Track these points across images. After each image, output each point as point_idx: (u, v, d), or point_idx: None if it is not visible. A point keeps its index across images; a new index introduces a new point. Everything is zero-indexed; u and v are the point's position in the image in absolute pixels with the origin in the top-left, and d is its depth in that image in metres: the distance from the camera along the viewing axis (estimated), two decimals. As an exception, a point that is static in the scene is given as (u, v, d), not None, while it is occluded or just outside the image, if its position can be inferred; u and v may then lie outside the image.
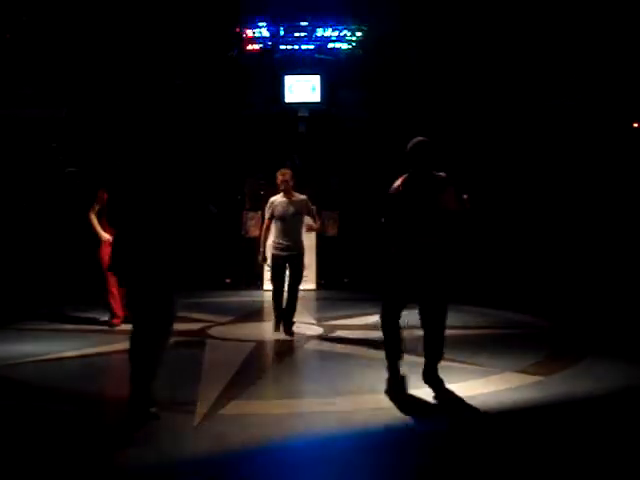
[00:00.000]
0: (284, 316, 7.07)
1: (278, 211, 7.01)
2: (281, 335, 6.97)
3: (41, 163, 11.72)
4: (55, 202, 11.26)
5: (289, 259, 7.01)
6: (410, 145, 4.94)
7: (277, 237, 7.03)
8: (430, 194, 4.86)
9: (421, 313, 4.92)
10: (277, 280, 7.09)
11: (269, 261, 7.19)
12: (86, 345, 6.61)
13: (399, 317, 4.95)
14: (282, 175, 7.04)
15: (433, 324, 4.90)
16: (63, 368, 5.68)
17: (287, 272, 7.07)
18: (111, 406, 4.63)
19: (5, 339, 6.85)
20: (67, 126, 11.87)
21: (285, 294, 7.08)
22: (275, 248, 7.05)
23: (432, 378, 4.92)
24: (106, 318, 7.58)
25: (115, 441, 3.98)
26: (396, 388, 4.88)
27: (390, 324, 4.94)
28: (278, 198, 7.07)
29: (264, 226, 7.21)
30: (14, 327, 7.51)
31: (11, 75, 11.45)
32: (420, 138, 4.95)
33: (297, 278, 7.07)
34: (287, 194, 7.04)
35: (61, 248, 10.71)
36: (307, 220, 7.26)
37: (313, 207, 7.33)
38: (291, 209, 6.99)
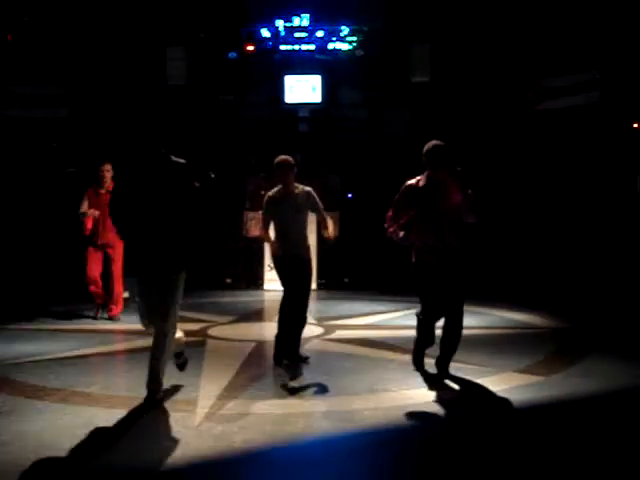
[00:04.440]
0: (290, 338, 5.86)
1: (275, 208, 5.83)
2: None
3: (41, 163, 11.72)
4: (55, 202, 11.26)
5: (292, 264, 5.76)
6: (425, 149, 5.11)
7: (276, 239, 5.90)
8: (447, 196, 5.05)
9: (443, 311, 5.18)
10: (288, 286, 5.80)
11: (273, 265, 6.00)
12: (86, 345, 6.61)
13: (437, 317, 5.23)
14: (278, 165, 5.80)
15: (454, 321, 5.16)
16: (63, 368, 5.68)
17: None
18: (110, 406, 4.62)
19: (5, 339, 6.85)
20: (68, 126, 11.88)
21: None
22: (274, 251, 5.88)
23: (444, 369, 5.27)
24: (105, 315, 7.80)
25: (115, 441, 3.98)
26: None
27: (430, 326, 5.23)
28: (276, 191, 5.87)
29: (261, 225, 6.12)
30: (14, 327, 7.51)
31: (12, 75, 11.46)
32: (435, 141, 5.11)
33: (304, 289, 5.80)
34: (286, 187, 5.81)
35: (61, 248, 10.71)
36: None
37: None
38: (290, 205, 5.78)
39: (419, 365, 5.42)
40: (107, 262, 7.78)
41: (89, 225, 7.68)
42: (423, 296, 5.21)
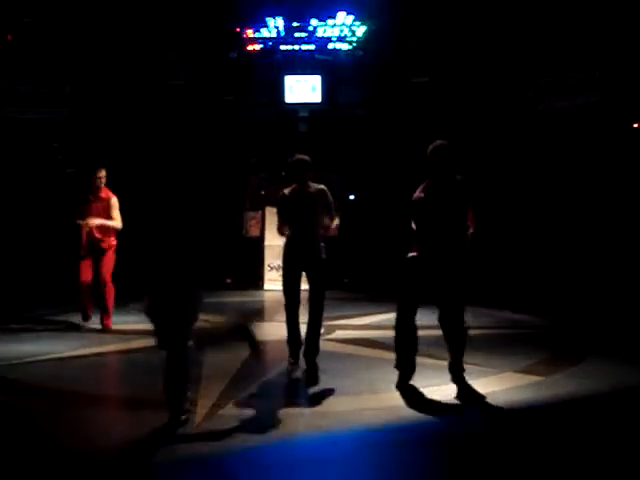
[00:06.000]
0: (305, 342, 5.83)
1: (289, 206, 5.75)
2: (282, 335, 6.88)
3: (42, 163, 11.72)
4: (55, 202, 11.26)
5: (305, 266, 5.72)
6: (430, 148, 4.99)
7: (289, 238, 5.79)
8: (453, 198, 4.95)
9: (442, 315, 5.03)
10: (291, 294, 5.74)
11: (281, 269, 5.90)
12: (86, 345, 6.62)
13: (415, 316, 5.05)
14: (294, 164, 5.78)
15: (455, 324, 5.03)
16: (63, 368, 5.68)
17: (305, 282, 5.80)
18: (111, 406, 4.63)
19: (5, 339, 6.86)
20: (68, 126, 11.88)
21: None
22: (287, 253, 5.77)
23: (457, 373, 5.06)
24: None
25: (115, 441, 3.98)
26: (403, 386, 4.97)
27: (407, 324, 5.04)
28: (290, 190, 5.82)
29: (277, 228, 5.92)
30: (15, 327, 7.51)
31: (13, 75, 11.46)
32: (439, 141, 5.01)
33: (319, 290, 5.69)
34: (301, 185, 5.76)
35: (61, 248, 10.71)
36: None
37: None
38: (305, 203, 5.71)
39: (404, 370, 5.04)
40: (97, 270, 7.42)
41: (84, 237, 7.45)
42: (404, 294, 5.05)
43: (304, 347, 5.82)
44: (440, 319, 5.05)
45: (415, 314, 5.04)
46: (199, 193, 4.62)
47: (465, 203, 4.98)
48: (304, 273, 5.77)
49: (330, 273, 6.01)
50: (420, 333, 5.21)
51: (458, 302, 5.04)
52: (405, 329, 5.05)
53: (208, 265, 4.66)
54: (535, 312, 8.44)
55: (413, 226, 5.12)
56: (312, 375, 5.66)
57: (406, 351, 5.04)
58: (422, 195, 5.00)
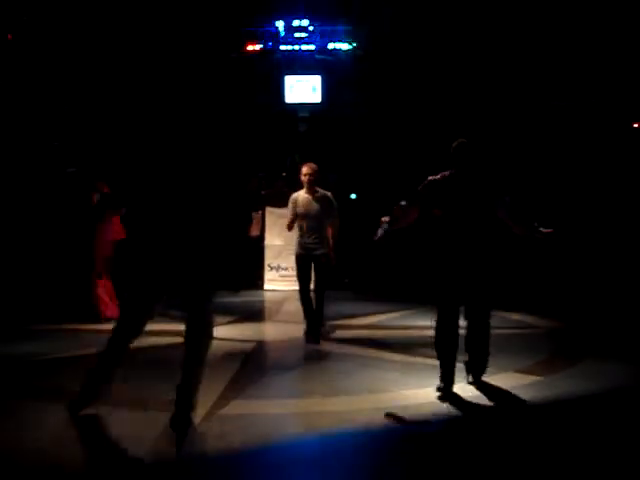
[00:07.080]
0: (311, 322, 6.73)
1: (300, 209, 6.64)
2: (282, 335, 6.93)
3: (42, 163, 11.72)
4: (55, 202, 11.25)
5: (314, 259, 6.63)
6: (454, 145, 5.01)
7: (301, 236, 6.67)
8: (476, 192, 4.92)
9: (467, 314, 4.98)
10: (303, 280, 6.71)
11: (294, 261, 6.84)
12: (86, 345, 6.61)
13: (457, 319, 4.93)
14: (305, 169, 6.71)
15: (479, 324, 4.95)
16: (64, 368, 5.68)
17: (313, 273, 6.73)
18: (110, 405, 4.63)
19: (6, 339, 6.85)
20: (68, 125, 11.88)
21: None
22: (299, 247, 6.69)
23: (478, 378, 5.04)
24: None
25: (115, 441, 3.98)
26: (446, 391, 4.84)
27: (447, 328, 4.89)
28: (301, 194, 6.72)
29: (287, 225, 6.82)
30: (15, 327, 7.51)
31: (13, 74, 11.46)
32: (462, 139, 5.01)
33: (323, 280, 6.70)
34: (310, 190, 6.68)
35: (62, 248, 10.70)
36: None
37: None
38: (314, 206, 6.62)
39: (447, 381, 4.87)
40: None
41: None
42: (440, 300, 4.94)
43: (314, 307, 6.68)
44: (466, 317, 5.00)
45: (457, 319, 4.92)
46: (211, 193, 4.54)
47: (490, 204, 4.95)
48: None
49: (332, 269, 6.75)
50: (421, 333, 5.21)
51: (484, 302, 4.96)
52: (446, 335, 4.89)
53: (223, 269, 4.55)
54: (535, 312, 8.44)
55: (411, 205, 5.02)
56: (315, 328, 6.62)
57: (447, 358, 4.89)
58: (440, 179, 4.97)
